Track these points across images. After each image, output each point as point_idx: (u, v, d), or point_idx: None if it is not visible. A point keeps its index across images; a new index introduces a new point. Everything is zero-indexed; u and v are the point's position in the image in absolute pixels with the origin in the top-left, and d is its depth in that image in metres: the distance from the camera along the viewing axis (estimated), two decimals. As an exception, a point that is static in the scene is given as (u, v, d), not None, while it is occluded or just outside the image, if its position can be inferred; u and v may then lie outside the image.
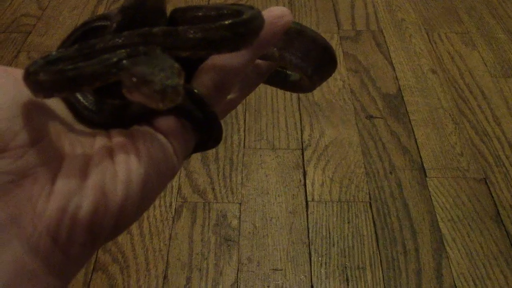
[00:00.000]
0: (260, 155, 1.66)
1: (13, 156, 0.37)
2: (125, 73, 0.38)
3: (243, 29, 0.40)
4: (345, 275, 1.36)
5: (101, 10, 2.28)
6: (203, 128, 0.44)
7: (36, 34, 2.15)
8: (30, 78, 0.38)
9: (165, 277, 1.36)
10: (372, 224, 1.47)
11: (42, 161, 0.38)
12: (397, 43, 2.10)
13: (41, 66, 0.39)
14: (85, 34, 0.47)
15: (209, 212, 1.49)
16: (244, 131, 1.72)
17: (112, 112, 0.43)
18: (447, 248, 1.43)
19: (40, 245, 0.38)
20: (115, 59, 0.39)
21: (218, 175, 1.59)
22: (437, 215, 1.50)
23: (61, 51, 0.40)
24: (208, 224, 1.47)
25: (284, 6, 2.24)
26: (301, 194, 1.55)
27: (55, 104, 0.41)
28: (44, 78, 0.38)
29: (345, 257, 1.40)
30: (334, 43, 2.08)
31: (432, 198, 1.54)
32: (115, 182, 0.39)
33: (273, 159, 1.65)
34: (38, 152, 0.38)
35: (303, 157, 1.65)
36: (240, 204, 1.52)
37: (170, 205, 1.50)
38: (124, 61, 0.39)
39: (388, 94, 1.87)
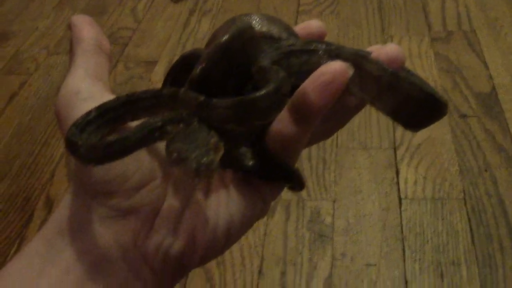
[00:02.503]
0: (353, 155, 1.67)
1: (123, 197, 0.42)
2: (166, 147, 0.40)
3: (250, 109, 0.41)
4: (439, 271, 1.35)
5: (193, 22, 2.34)
6: (284, 181, 0.47)
7: (133, 45, 2.23)
8: (78, 151, 0.40)
9: (260, 271, 1.39)
10: (467, 221, 1.46)
11: (147, 202, 0.42)
12: (490, 42, 2.07)
13: (86, 136, 0.40)
14: (181, 72, 0.48)
15: (303, 209, 1.52)
16: (335, 133, 1.74)
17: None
18: (546, 245, 1.40)
19: (139, 269, 0.43)
20: (159, 124, 0.41)
21: (311, 174, 1.61)
22: (535, 213, 1.47)
23: (102, 108, 0.42)
24: (302, 221, 1.49)
25: (373, 9, 2.25)
26: (394, 192, 1.55)
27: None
28: (93, 153, 0.40)
29: (439, 253, 1.39)
30: (424, 44, 2.08)
31: (530, 195, 1.52)
32: (204, 228, 0.43)
33: (366, 158, 1.66)
34: (144, 195, 0.42)
35: (395, 156, 1.65)
36: (333, 201, 1.54)
37: (265, 202, 1.53)
38: (168, 127, 0.41)
39: (482, 93, 1.85)
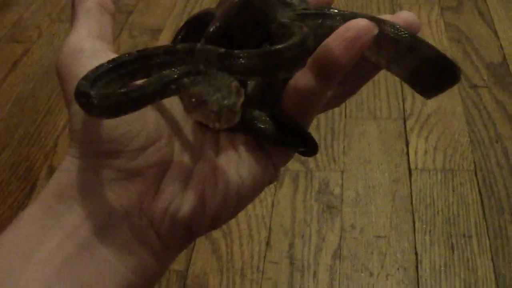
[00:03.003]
0: (362, 125, 1.64)
1: (128, 158, 0.41)
2: (184, 94, 0.38)
3: (275, 59, 0.40)
4: (450, 243, 1.34)
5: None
6: (297, 145, 0.46)
7: (138, 14, 2.20)
8: (90, 102, 0.38)
9: (267, 243, 1.37)
10: (477, 192, 1.44)
11: (153, 163, 0.42)
12: (501, 12, 2.03)
13: (97, 90, 0.39)
14: (192, 31, 0.48)
15: (311, 180, 1.50)
16: (345, 101, 1.71)
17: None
18: (558, 218, 1.38)
19: (144, 234, 0.42)
20: (175, 76, 0.40)
21: (319, 144, 1.58)
22: (547, 185, 1.45)
23: (112, 63, 0.41)
24: (311, 192, 1.47)
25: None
26: (404, 162, 1.53)
27: (171, 100, 0.43)
28: (108, 102, 0.38)
29: (450, 225, 1.37)
30: (434, 13, 2.04)
31: (542, 167, 1.49)
32: (214, 190, 0.42)
33: (375, 128, 1.63)
34: (150, 155, 0.42)
35: (405, 126, 1.63)
36: (342, 172, 1.51)
37: (272, 173, 1.51)
38: (185, 79, 0.40)
39: (493, 63, 1.82)
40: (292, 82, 0.42)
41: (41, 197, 0.42)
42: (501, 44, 1.89)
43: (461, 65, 1.81)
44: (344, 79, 0.43)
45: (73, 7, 0.45)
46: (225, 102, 0.36)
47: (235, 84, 0.38)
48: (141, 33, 2.09)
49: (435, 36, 1.93)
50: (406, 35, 0.43)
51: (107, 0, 0.47)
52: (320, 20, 0.45)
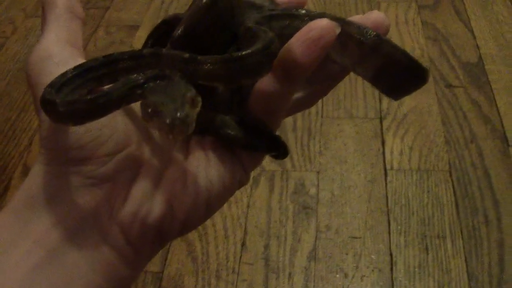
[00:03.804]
0: (338, 124, 1.65)
1: (97, 164, 0.41)
2: (142, 103, 0.39)
3: (238, 65, 0.39)
4: (424, 244, 1.34)
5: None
6: (267, 150, 0.46)
7: (114, 9, 2.19)
8: (56, 110, 0.38)
9: (243, 244, 1.37)
10: (452, 193, 1.45)
11: (122, 168, 0.42)
12: (477, 11, 2.04)
13: (63, 96, 0.39)
14: (162, 36, 0.48)
15: (287, 180, 1.50)
16: (322, 100, 1.71)
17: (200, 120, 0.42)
18: (531, 218, 1.39)
19: (114, 240, 0.42)
20: (141, 81, 0.40)
21: (296, 144, 1.59)
22: (520, 185, 1.46)
23: (78, 69, 0.41)
24: (286, 192, 1.47)
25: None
26: (380, 162, 1.53)
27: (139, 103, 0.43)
28: (73, 109, 0.38)
29: (424, 226, 1.38)
30: (412, 11, 2.05)
31: (515, 167, 1.51)
32: (184, 194, 0.42)
33: (351, 128, 1.63)
34: (119, 161, 0.41)
35: (381, 126, 1.63)
36: (318, 172, 1.52)
37: (248, 173, 1.51)
38: (150, 84, 0.40)
39: (469, 63, 1.83)
40: (257, 85, 0.42)
41: (11, 203, 0.42)
42: (477, 44, 1.90)
43: (437, 64, 1.82)
44: (313, 80, 0.44)
45: (43, 13, 0.45)
46: (178, 114, 0.36)
47: (190, 94, 0.38)
48: (117, 30, 2.07)
49: (412, 34, 1.93)
50: (371, 35, 0.42)
51: (76, 6, 0.46)
52: (288, 21, 0.44)
